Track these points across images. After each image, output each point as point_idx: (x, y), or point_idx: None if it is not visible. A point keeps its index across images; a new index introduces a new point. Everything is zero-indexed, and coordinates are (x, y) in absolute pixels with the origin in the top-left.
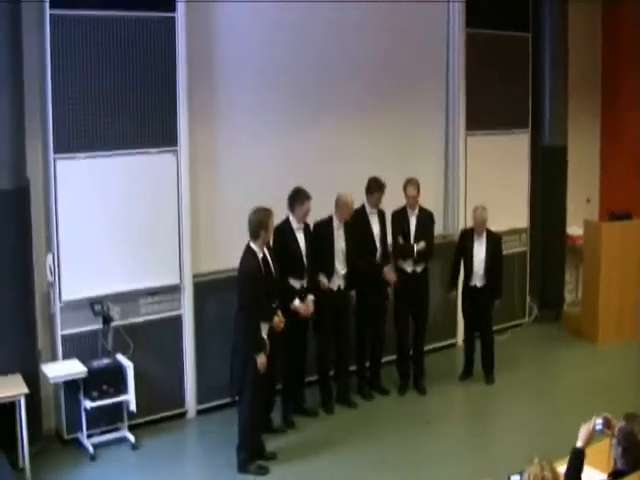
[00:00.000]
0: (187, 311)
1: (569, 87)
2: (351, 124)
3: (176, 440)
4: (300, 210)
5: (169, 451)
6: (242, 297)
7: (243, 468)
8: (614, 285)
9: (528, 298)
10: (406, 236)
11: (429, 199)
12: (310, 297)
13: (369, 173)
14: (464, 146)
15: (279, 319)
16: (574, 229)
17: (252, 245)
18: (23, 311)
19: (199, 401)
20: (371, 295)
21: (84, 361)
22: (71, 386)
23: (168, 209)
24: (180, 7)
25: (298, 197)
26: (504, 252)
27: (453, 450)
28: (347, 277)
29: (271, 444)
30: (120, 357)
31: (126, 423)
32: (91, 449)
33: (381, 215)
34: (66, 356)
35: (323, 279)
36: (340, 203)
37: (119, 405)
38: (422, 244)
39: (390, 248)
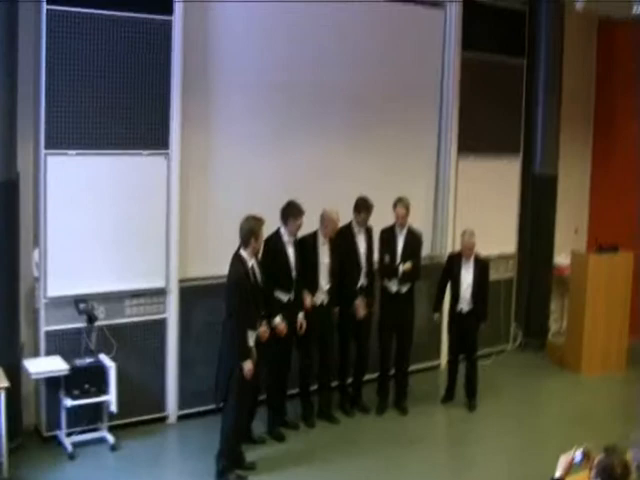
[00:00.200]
0: (172, 315)
1: (562, 114)
2: (343, 141)
3: (156, 444)
4: (293, 224)
5: (148, 454)
6: (230, 304)
7: (222, 476)
8: (599, 317)
9: (513, 324)
10: (393, 255)
11: (418, 219)
12: (300, 315)
13: (359, 191)
14: (455, 169)
15: (264, 329)
16: (561, 258)
17: (242, 253)
18: (7, 305)
19: (180, 406)
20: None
21: (67, 359)
22: (52, 383)
23: (157, 212)
24: (177, 10)
25: (292, 211)
26: (491, 277)
27: (433, 472)
28: (330, 292)
29: (250, 454)
30: (103, 357)
31: (106, 423)
32: (70, 448)
33: (368, 233)
34: (49, 352)
35: (307, 297)
36: (325, 219)
37: (100, 405)
38: (408, 264)
39: (375, 266)
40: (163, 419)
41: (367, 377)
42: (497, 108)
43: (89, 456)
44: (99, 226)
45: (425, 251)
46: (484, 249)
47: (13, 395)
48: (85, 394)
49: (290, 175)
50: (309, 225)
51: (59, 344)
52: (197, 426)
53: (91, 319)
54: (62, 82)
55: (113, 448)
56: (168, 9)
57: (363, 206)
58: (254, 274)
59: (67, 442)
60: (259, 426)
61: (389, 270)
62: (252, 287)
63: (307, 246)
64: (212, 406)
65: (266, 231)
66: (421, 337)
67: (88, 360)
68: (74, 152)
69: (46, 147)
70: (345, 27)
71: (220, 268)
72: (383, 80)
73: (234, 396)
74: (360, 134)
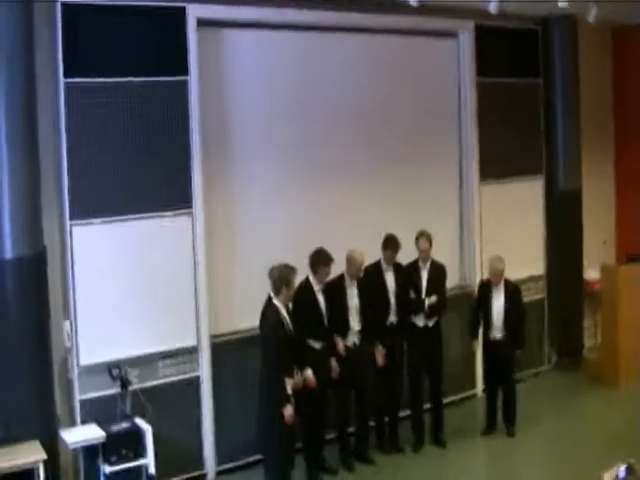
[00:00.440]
0: (205, 372)
1: (581, 127)
2: (365, 179)
3: None
4: (323, 272)
5: None
6: (266, 352)
7: None
8: (634, 328)
9: (547, 345)
10: (418, 290)
11: (445, 250)
12: (333, 361)
13: (385, 228)
14: (478, 195)
15: (298, 380)
16: (591, 273)
17: (274, 301)
18: (41, 377)
19: (218, 462)
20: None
21: (103, 425)
22: (90, 451)
23: (185, 270)
24: (193, 71)
25: (322, 259)
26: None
27: None
28: (361, 332)
29: None
30: (138, 420)
31: None
32: None
33: (398, 270)
34: (84, 421)
35: (339, 342)
36: (348, 260)
37: (138, 469)
38: (434, 298)
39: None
40: (203, 477)
41: (402, 414)
42: (516, 130)
43: None
44: (128, 290)
45: (454, 281)
46: (513, 272)
47: (52, 467)
48: (123, 459)
49: (314, 222)
50: (337, 267)
51: (94, 411)
52: None
53: (125, 384)
54: (83, 152)
55: None
56: (183, 70)
57: (389, 244)
58: (287, 322)
59: None
60: (298, 475)
61: (415, 305)
62: (286, 335)
63: (335, 289)
64: (250, 459)
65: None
66: (455, 367)
67: (124, 425)
68: (99, 220)
69: (71, 218)
70: (360, 64)
71: (249, 321)
72: (401, 114)
73: (277, 444)
74: (381, 171)
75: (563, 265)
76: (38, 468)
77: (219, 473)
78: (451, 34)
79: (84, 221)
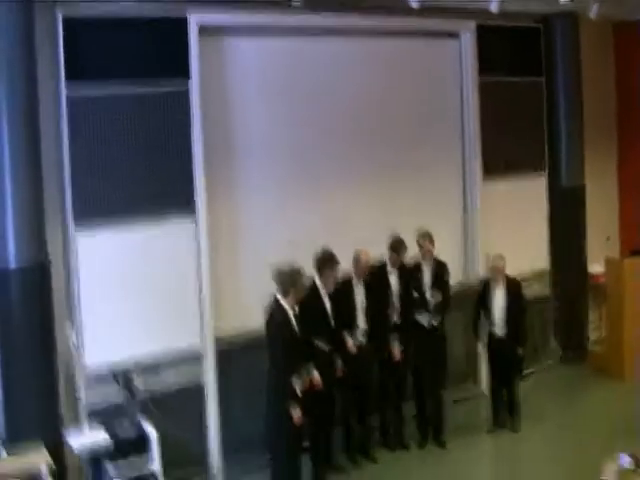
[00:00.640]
0: (210, 378)
1: (584, 123)
2: (369, 180)
3: None
4: (330, 275)
5: None
6: (274, 353)
7: None
8: (638, 320)
9: (552, 339)
10: (421, 289)
11: (448, 248)
12: (314, 372)
13: (387, 229)
14: (482, 193)
15: (306, 380)
16: (595, 267)
17: (283, 302)
18: (47, 385)
19: (225, 466)
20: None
21: (109, 430)
22: (96, 455)
23: (188, 277)
24: (194, 78)
25: (328, 262)
26: (526, 296)
27: None
28: (367, 332)
29: None
30: (144, 424)
31: None
32: None
33: (402, 271)
34: (91, 425)
35: (349, 340)
36: (355, 260)
37: (145, 473)
38: (437, 297)
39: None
40: None
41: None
42: (519, 127)
43: None
44: (132, 298)
45: (457, 278)
46: (517, 269)
47: (58, 472)
48: (129, 463)
49: (317, 224)
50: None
51: (100, 416)
52: None
53: (131, 390)
54: (85, 161)
55: None
56: (185, 79)
57: (394, 246)
58: (294, 323)
59: None
60: (304, 474)
61: (419, 304)
62: (292, 335)
63: (343, 289)
64: (257, 464)
65: None
66: (459, 365)
67: (130, 429)
68: (103, 228)
69: (75, 227)
70: (362, 67)
71: (254, 323)
72: (404, 115)
73: (284, 444)
74: (384, 172)
75: (567, 260)
76: (44, 473)
77: (226, 477)
78: (453, 34)
79: (88, 229)
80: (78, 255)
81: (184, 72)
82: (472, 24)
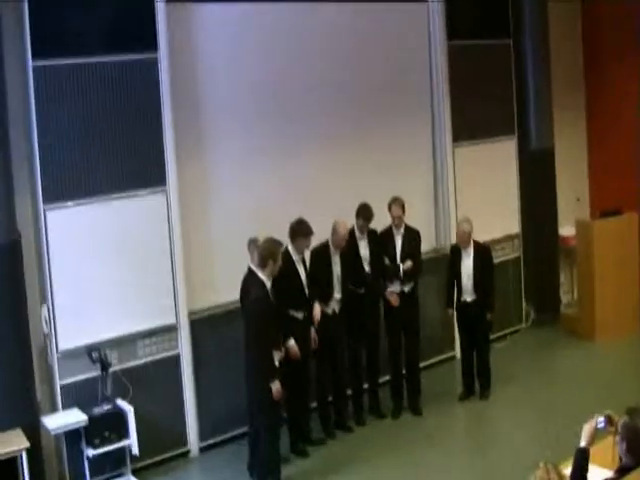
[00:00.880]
0: (185, 350)
1: (552, 86)
2: (337, 149)
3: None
4: (302, 243)
5: None
6: (254, 326)
7: None
8: (609, 282)
9: (524, 303)
10: (392, 256)
11: (420, 214)
12: (291, 342)
13: (360, 195)
14: (452, 158)
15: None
16: (566, 229)
17: (260, 274)
18: (20, 364)
19: (202, 439)
20: (364, 316)
21: (84, 409)
22: (73, 435)
23: (161, 249)
24: (162, 47)
25: (301, 230)
26: (498, 259)
27: (453, 465)
28: (341, 301)
29: None
30: (120, 402)
31: (129, 467)
32: None
33: (372, 237)
34: (66, 405)
35: (317, 308)
36: (333, 230)
37: (122, 450)
38: (408, 263)
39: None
40: (186, 454)
41: (382, 380)
42: (488, 91)
43: None
44: (104, 272)
45: (430, 244)
46: (489, 233)
47: (35, 454)
48: (106, 441)
49: (288, 194)
50: (314, 238)
51: (75, 395)
52: (220, 456)
53: (105, 366)
54: (54, 134)
55: None
56: (153, 47)
57: (361, 212)
58: (271, 295)
59: None
60: (282, 446)
61: (390, 271)
62: (271, 307)
63: (320, 257)
64: (234, 433)
65: None
66: (434, 330)
67: (106, 407)
68: (73, 203)
69: (44, 202)
70: (329, 33)
71: (228, 295)
72: (373, 80)
73: (266, 417)
74: (353, 139)
75: (538, 223)
76: (21, 456)
77: (203, 449)
78: None
79: (58, 204)
80: (48, 230)
81: (152, 43)
82: None
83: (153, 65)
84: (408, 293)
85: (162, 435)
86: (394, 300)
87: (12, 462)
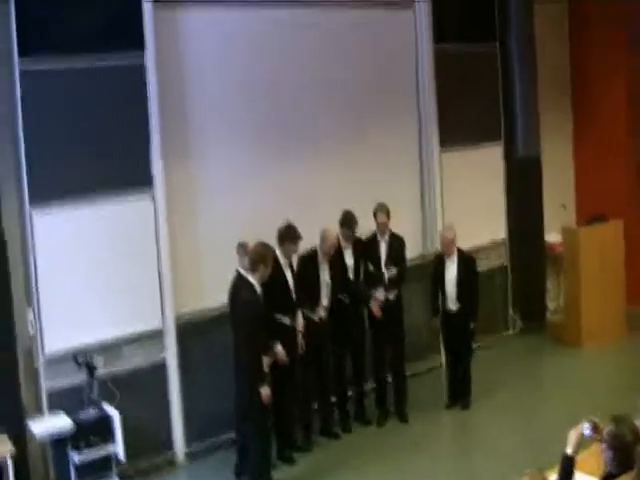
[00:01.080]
0: (171, 355)
1: (539, 93)
2: (325, 153)
3: None
4: (290, 248)
5: None
6: (245, 329)
7: None
8: (595, 288)
9: (511, 310)
10: (377, 263)
11: (406, 220)
12: (279, 348)
13: (346, 201)
14: (438, 163)
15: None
16: (552, 236)
17: (250, 278)
18: (6, 367)
19: (188, 444)
20: (349, 323)
21: (70, 413)
22: (59, 440)
23: (147, 252)
24: (149, 51)
25: (290, 235)
26: (485, 266)
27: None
28: (328, 308)
29: None
30: (106, 407)
31: (115, 472)
32: None
33: (357, 245)
34: (52, 410)
35: (300, 317)
36: (321, 238)
37: (108, 455)
38: (393, 270)
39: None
40: (172, 459)
41: (367, 387)
42: (475, 96)
43: None
44: (90, 276)
45: (417, 251)
46: (475, 239)
47: (20, 458)
48: (92, 447)
49: (275, 199)
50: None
51: (61, 400)
52: (206, 462)
53: (91, 371)
54: (41, 138)
55: None
56: (140, 49)
57: (344, 221)
58: (261, 299)
59: None
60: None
61: (375, 278)
62: (262, 312)
63: (308, 264)
64: (220, 439)
65: None
66: (420, 337)
67: (92, 412)
68: (59, 205)
69: (31, 204)
70: (316, 38)
71: (215, 300)
72: (359, 85)
73: (255, 422)
74: (340, 144)
75: (524, 230)
76: (6, 461)
77: (189, 455)
78: (407, 2)
79: (44, 206)
80: (34, 232)
81: (139, 44)
82: None
83: (140, 67)
84: (393, 300)
85: (148, 440)
86: (376, 311)
87: None
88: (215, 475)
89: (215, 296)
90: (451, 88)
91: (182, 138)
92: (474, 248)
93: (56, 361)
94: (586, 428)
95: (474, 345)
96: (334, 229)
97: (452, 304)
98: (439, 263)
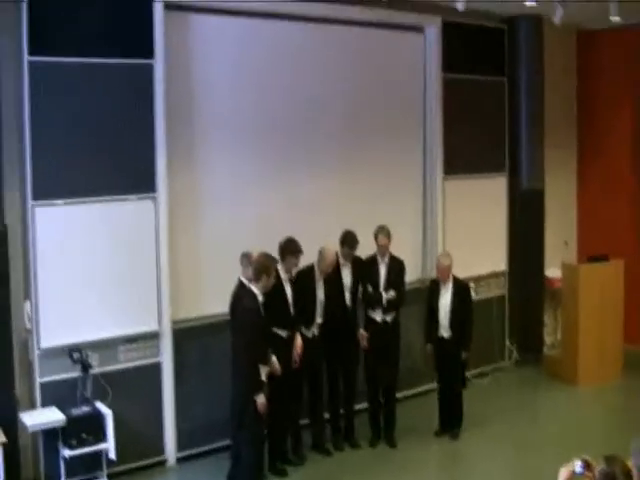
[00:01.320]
0: (166, 358)
1: (545, 127)
2: (331, 172)
3: None
4: (291, 262)
5: None
6: (245, 338)
7: None
8: (593, 326)
9: (508, 341)
10: (376, 284)
11: (407, 244)
12: (274, 359)
13: (348, 221)
14: (442, 190)
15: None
16: (552, 271)
17: (253, 288)
18: (2, 363)
19: (179, 449)
20: (343, 342)
21: (63, 409)
22: (50, 434)
23: (147, 255)
24: (158, 53)
25: (291, 249)
26: (484, 295)
27: None
28: (322, 326)
29: None
30: (99, 405)
31: (105, 471)
32: None
33: (355, 264)
34: (45, 404)
35: (298, 337)
36: (320, 255)
37: (98, 453)
38: (392, 293)
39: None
40: (163, 462)
41: (359, 407)
42: (481, 127)
43: None
44: (89, 273)
45: (415, 275)
46: (475, 268)
47: (11, 449)
48: (83, 443)
49: (278, 208)
50: (303, 259)
51: (55, 395)
52: (197, 468)
53: (85, 368)
54: (46, 132)
55: None
56: (149, 52)
57: (345, 240)
58: (262, 309)
59: None
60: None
61: (373, 300)
62: (262, 322)
63: (306, 281)
64: (211, 446)
65: None
66: (415, 362)
67: (84, 409)
68: (62, 201)
69: (33, 198)
70: (326, 55)
71: (212, 307)
72: (366, 107)
73: (250, 430)
74: (345, 164)
75: (525, 263)
76: None
77: (180, 459)
78: (418, 29)
79: (46, 202)
80: (35, 227)
81: (149, 48)
82: (438, 19)
83: (149, 71)
84: (390, 322)
85: (139, 442)
86: (363, 345)
87: None
88: (204, 478)
89: (214, 304)
90: (458, 116)
91: (187, 144)
92: (474, 277)
93: (51, 355)
94: (578, 465)
95: (468, 374)
96: (333, 247)
97: (444, 331)
98: (434, 289)
